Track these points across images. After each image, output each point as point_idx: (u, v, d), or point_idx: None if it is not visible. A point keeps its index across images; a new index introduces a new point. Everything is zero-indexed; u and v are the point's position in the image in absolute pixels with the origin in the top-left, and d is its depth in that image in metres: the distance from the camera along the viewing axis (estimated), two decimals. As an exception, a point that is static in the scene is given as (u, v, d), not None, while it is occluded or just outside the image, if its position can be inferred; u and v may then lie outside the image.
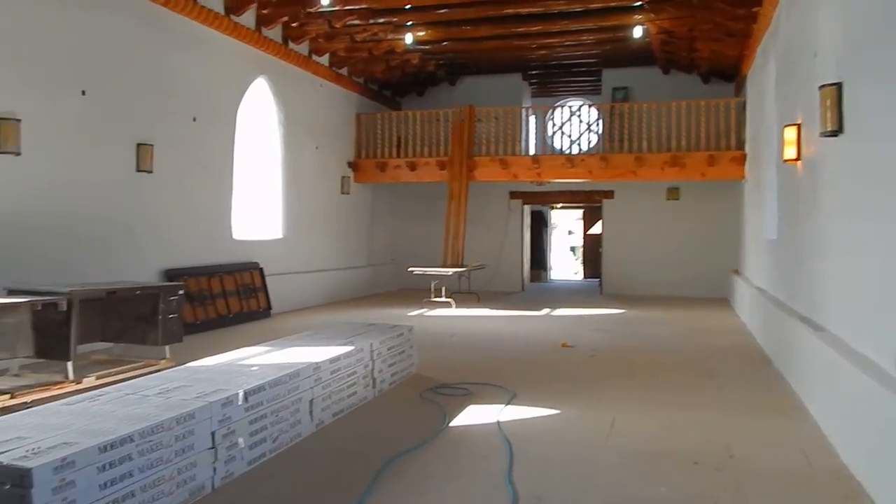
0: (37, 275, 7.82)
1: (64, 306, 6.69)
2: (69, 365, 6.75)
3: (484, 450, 5.27)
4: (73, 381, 6.73)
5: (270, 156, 13.88)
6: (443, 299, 14.77)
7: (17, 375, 6.82)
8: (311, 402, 5.74)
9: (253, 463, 4.94)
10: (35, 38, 8.29)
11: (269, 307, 12.91)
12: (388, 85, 18.59)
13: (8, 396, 6.10)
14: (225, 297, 11.85)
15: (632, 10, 13.46)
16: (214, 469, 4.56)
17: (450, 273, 15.18)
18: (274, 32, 13.27)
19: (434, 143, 16.92)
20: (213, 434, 4.57)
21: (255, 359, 6.10)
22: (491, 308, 14.75)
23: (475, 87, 18.90)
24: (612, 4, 13.22)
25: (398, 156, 17.05)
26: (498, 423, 5.93)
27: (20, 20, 8.10)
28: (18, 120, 8.02)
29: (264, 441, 5.11)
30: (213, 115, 11.67)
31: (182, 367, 5.88)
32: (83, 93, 9.04)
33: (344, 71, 16.42)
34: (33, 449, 3.60)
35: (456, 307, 14.52)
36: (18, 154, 8.04)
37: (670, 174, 15.55)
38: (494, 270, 18.44)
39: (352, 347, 6.57)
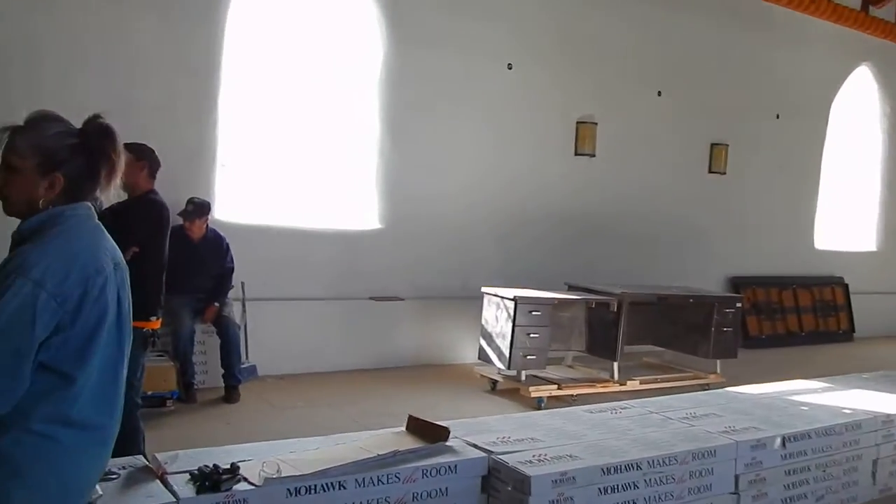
0: (597, 273, 8.19)
1: (614, 307, 6.82)
2: (615, 366, 6.87)
3: None
4: (617, 382, 6.83)
5: (867, 155, 12.17)
6: None
7: (569, 367, 7.24)
8: (874, 461, 4.68)
9: (785, 521, 4.22)
10: (613, 43, 8.64)
11: (851, 329, 11.41)
12: None
13: (556, 387, 6.47)
14: (798, 313, 10.84)
15: None
16: (735, 518, 4.01)
17: None
18: (884, 11, 11.53)
19: None
20: (736, 478, 4.02)
21: (807, 396, 5.25)
22: None
23: None
24: None
25: None
26: None
27: (599, 26, 8.53)
28: (595, 123, 8.49)
29: (804, 497, 4.34)
30: (800, 111, 10.71)
31: (718, 391, 5.41)
32: (659, 94, 9.13)
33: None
34: (540, 455, 3.60)
35: None
36: (593, 156, 8.52)
37: None
38: None
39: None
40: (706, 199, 9.78)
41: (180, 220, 5.82)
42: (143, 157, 4.00)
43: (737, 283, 10.18)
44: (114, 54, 5.90)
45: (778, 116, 10.49)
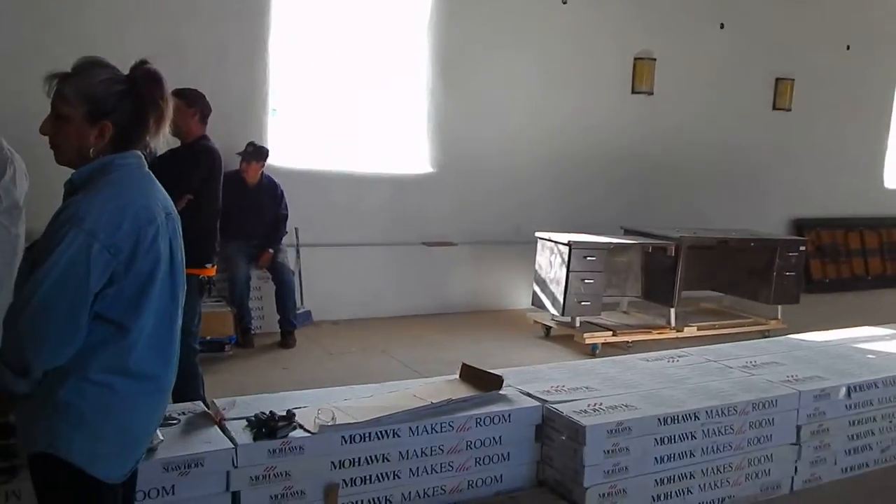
0: (655, 216, 8.02)
1: (672, 252, 6.69)
2: (672, 312, 6.76)
3: None
4: (673, 329, 6.74)
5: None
6: None
7: (624, 313, 7.15)
8: (942, 412, 4.53)
9: (849, 471, 4.15)
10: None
11: (922, 274, 10.99)
12: None
13: (610, 334, 6.41)
14: (864, 256, 10.47)
15: None
16: (796, 468, 3.96)
17: None
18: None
19: None
20: (798, 428, 3.94)
21: (875, 344, 5.09)
22: None
23: None
24: None
25: None
26: None
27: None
28: (654, 59, 8.21)
29: (868, 449, 4.25)
30: (872, 42, 10.15)
31: (780, 339, 5.28)
32: (721, 26, 8.76)
33: None
34: (595, 405, 3.57)
35: None
36: (651, 94, 8.26)
37: None
38: None
39: None
40: (770, 137, 9.42)
41: (234, 166, 5.86)
42: (195, 102, 3.98)
43: (800, 225, 9.86)
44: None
45: (848, 48, 9.96)
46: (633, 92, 8.25)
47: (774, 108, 9.44)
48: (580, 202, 7.86)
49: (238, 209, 5.81)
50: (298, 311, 6.14)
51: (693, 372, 4.24)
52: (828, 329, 5.39)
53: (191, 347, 3.81)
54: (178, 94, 3.92)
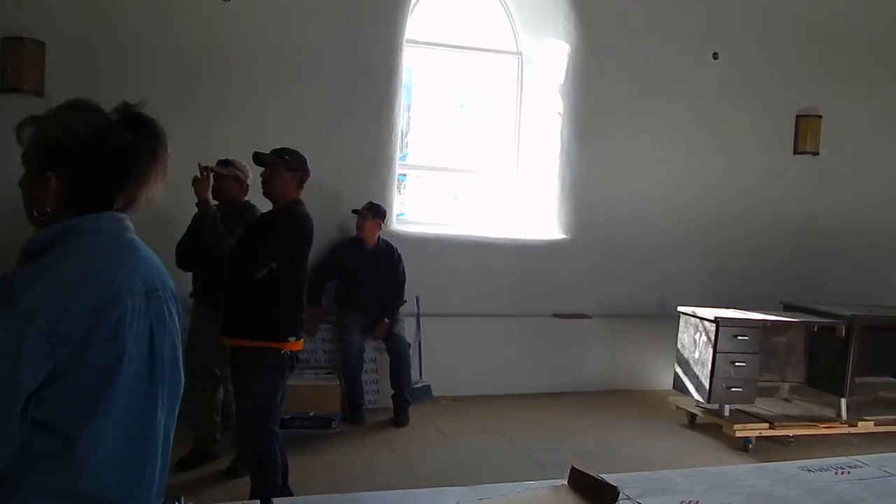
0: (820, 290, 6.89)
1: (842, 332, 5.60)
2: (842, 402, 5.64)
3: None
4: (845, 423, 5.61)
5: None
6: None
7: (785, 401, 6.08)
8: None
9: None
10: (835, 21, 7.24)
11: None
12: None
13: (766, 426, 5.40)
14: None
15: None
16: None
17: None
18: None
19: None
20: None
21: None
22: None
23: None
24: None
25: None
26: None
27: (818, 2, 7.20)
28: (819, 116, 7.20)
29: None
30: None
31: None
32: (898, 78, 7.60)
33: None
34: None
35: None
36: (816, 154, 7.23)
37: None
38: None
39: None
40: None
41: (348, 228, 5.53)
42: (297, 166, 3.58)
43: None
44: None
45: None
46: (796, 152, 7.25)
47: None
48: (733, 274, 6.90)
49: (354, 276, 5.45)
50: (417, 386, 5.62)
51: (868, 491, 3.25)
52: None
53: (269, 431, 3.35)
54: (279, 154, 3.59)
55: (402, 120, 6.24)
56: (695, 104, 6.81)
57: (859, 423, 5.64)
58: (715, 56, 6.87)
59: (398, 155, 6.20)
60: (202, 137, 4.90)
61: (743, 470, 3.68)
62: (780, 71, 7.05)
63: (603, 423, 5.59)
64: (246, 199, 4.27)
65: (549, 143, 6.64)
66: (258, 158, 3.58)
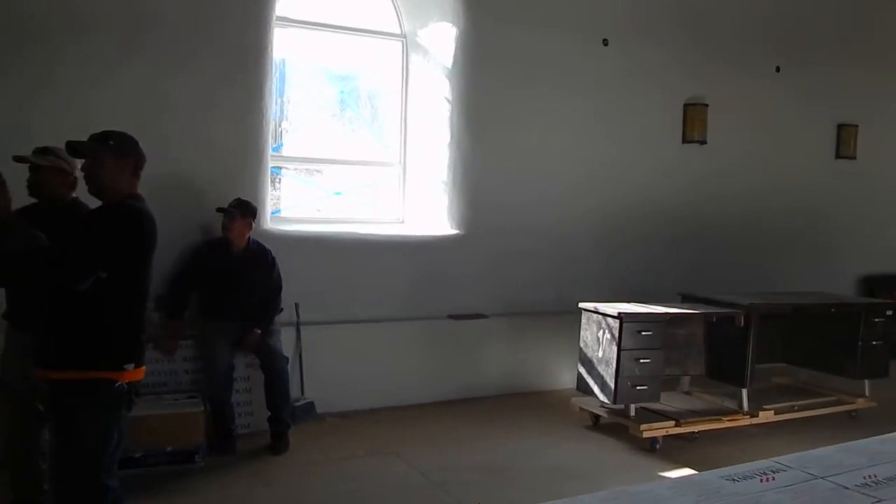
0: (713, 278, 6.68)
1: (741, 322, 5.30)
2: (744, 393, 5.35)
3: None
4: (747, 414, 5.32)
5: None
6: None
7: (686, 394, 5.75)
8: None
9: None
10: (722, 12, 7.07)
11: None
12: None
13: (672, 423, 5.02)
14: (943, 317, 8.89)
15: None
16: None
17: None
18: None
19: None
20: None
21: None
22: None
23: None
24: None
25: None
26: None
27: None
28: (706, 105, 6.96)
29: None
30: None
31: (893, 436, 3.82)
32: (777, 69, 7.49)
33: None
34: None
35: None
36: (704, 143, 7.00)
37: None
38: None
39: None
40: (833, 188, 8.05)
41: (215, 234, 4.74)
42: (126, 151, 2.76)
43: (871, 284, 8.39)
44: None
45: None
46: (685, 141, 6.98)
47: (838, 156, 8.10)
48: (630, 265, 6.56)
49: (219, 282, 4.65)
50: (298, 404, 4.90)
51: (797, 499, 2.83)
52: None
53: (97, 487, 2.56)
54: (101, 140, 2.78)
55: (274, 106, 5.48)
56: (587, 92, 6.40)
57: (760, 414, 5.37)
58: (605, 42, 6.49)
59: (271, 146, 5.43)
60: (17, 117, 4.00)
61: (666, 487, 3.17)
62: (667, 58, 6.76)
63: (505, 432, 5.06)
64: (74, 195, 3.42)
65: (438, 133, 6.04)
66: (73, 148, 2.73)
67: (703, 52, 6.96)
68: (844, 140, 8.11)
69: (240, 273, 4.66)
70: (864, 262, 8.42)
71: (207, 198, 4.85)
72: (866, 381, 5.88)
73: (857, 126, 8.12)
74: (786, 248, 7.68)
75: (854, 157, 8.14)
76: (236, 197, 4.77)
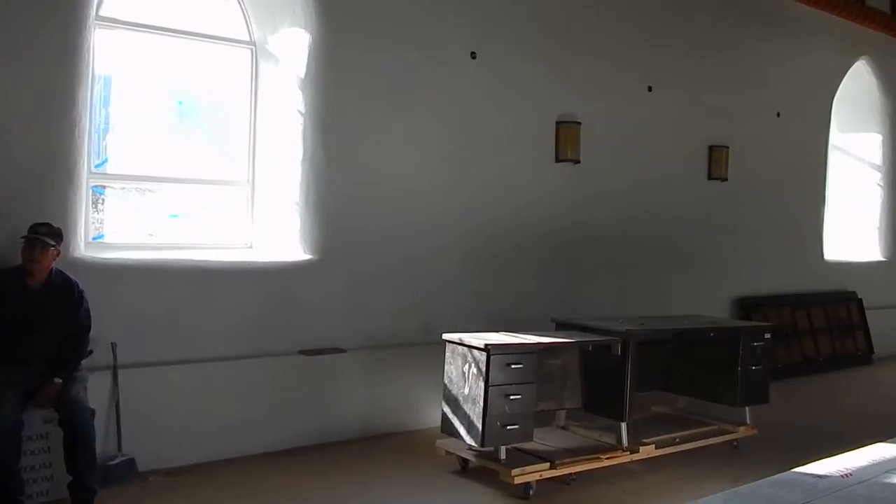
0: (585, 301, 6.34)
1: (618, 350, 4.90)
2: (623, 427, 4.93)
3: None
4: (627, 450, 4.90)
5: (869, 156, 10.45)
6: None
7: (562, 429, 5.30)
8: None
9: None
10: (596, 30, 6.85)
11: (870, 351, 9.59)
12: None
13: (547, 466, 4.52)
14: (813, 336, 9.02)
15: None
16: None
17: None
18: (880, 2, 9.84)
19: None
20: None
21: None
22: None
23: None
24: None
25: None
26: None
27: (579, 10, 6.72)
28: (578, 123, 6.65)
29: None
30: (800, 110, 8.98)
31: (791, 476, 3.44)
32: (649, 89, 7.32)
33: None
34: None
35: None
36: (577, 162, 6.67)
37: None
38: None
39: None
40: (706, 208, 7.98)
41: (12, 262, 3.91)
42: None
43: (745, 305, 8.35)
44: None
45: (779, 115, 8.76)
46: (558, 160, 6.63)
47: (710, 177, 8.03)
48: (502, 292, 6.13)
49: (12, 322, 3.81)
50: (114, 462, 4.10)
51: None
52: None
53: None
54: None
55: (93, 116, 4.69)
56: (455, 106, 5.96)
57: (641, 449, 4.97)
58: (473, 55, 6.06)
59: (88, 162, 4.63)
60: None
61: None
62: (539, 74, 6.41)
63: (359, 481, 4.42)
64: None
65: (290, 149, 5.39)
66: None
67: (576, 67, 6.67)
68: (716, 161, 8.06)
69: (36, 311, 3.84)
70: (737, 284, 8.37)
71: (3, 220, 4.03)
72: (747, 408, 5.64)
73: (728, 147, 8.09)
74: (661, 269, 7.47)
75: (725, 179, 8.09)
76: (44, 221, 3.96)
